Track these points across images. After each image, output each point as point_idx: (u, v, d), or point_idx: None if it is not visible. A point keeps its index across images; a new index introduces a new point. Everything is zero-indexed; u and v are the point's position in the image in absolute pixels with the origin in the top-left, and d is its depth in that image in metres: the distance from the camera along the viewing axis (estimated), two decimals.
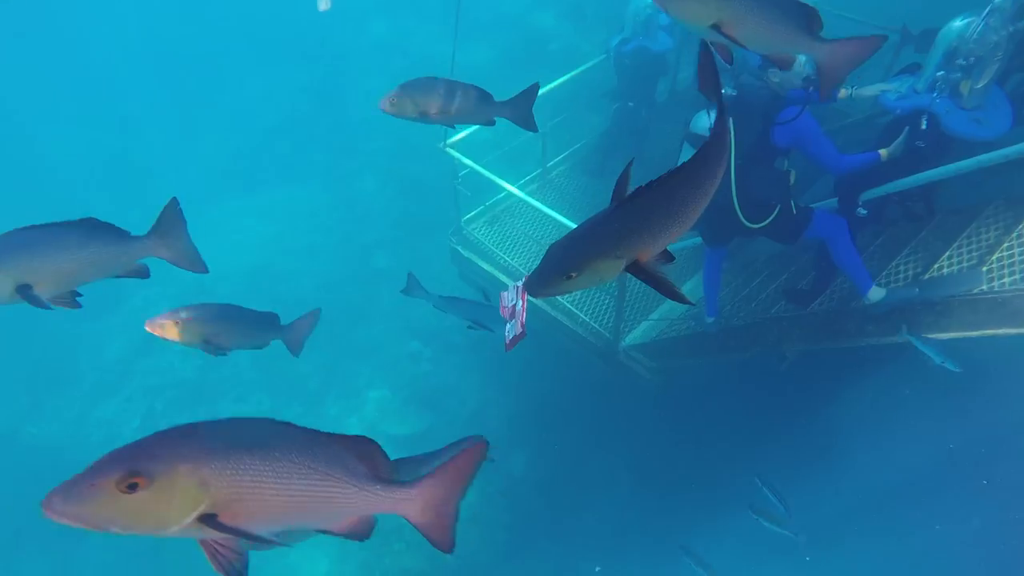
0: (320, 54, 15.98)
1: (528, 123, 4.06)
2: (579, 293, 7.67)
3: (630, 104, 8.77)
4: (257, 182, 14.30)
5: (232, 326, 4.12)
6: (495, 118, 4.00)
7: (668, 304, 7.41)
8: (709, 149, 2.31)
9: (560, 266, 2.18)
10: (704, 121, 4.97)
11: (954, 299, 4.97)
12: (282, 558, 9.61)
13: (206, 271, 3.49)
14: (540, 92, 7.74)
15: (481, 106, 3.89)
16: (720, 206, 4.98)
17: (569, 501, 9.22)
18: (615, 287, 6.79)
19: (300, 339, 4.49)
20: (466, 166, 7.57)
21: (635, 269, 2.24)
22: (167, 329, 3.88)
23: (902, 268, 5.69)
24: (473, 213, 8.84)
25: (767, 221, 5.05)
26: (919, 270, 5.51)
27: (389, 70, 14.69)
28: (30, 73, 15.48)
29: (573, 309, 7.61)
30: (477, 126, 7.97)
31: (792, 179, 4.98)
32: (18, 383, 10.97)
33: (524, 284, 2.25)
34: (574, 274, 2.16)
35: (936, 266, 5.39)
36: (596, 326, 7.50)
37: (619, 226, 2.16)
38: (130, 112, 15.26)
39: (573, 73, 8.62)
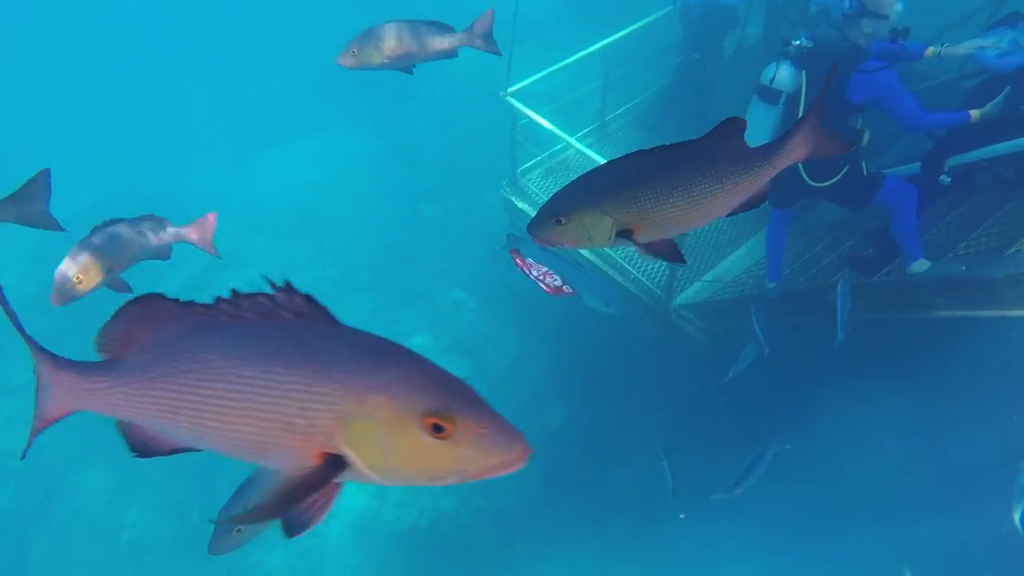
0: None
1: (490, 46, 4.05)
2: (634, 249, 7.61)
3: (695, 56, 8.46)
4: (308, 127, 14.44)
5: (121, 246, 3.88)
6: (457, 49, 3.99)
7: (723, 265, 7.32)
8: (740, 154, 2.12)
9: (550, 209, 2.14)
10: (777, 74, 4.76)
11: (998, 280, 4.75)
12: None
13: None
14: (604, 43, 7.59)
15: (442, 38, 3.87)
16: None
17: (604, 457, 9.35)
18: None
19: (207, 238, 4.34)
20: (525, 116, 7.50)
21: (629, 239, 2.15)
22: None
23: (983, 240, 5.35)
24: (528, 164, 8.79)
25: (832, 181, 4.86)
26: (1003, 242, 5.17)
27: (447, 13, 14.54)
28: (84, 20, 15.75)
29: (626, 265, 7.56)
30: (537, 75, 7.96)
31: (865, 139, 4.72)
32: (89, 312, 11.44)
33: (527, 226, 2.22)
34: (562, 219, 2.10)
35: (1022, 241, 5.04)
36: (648, 283, 7.45)
37: (604, 180, 2.08)
38: (183, 57, 15.47)
39: (637, 25, 8.39)
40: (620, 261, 7.61)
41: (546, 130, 7.40)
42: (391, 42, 3.75)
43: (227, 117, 14.81)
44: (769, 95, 4.82)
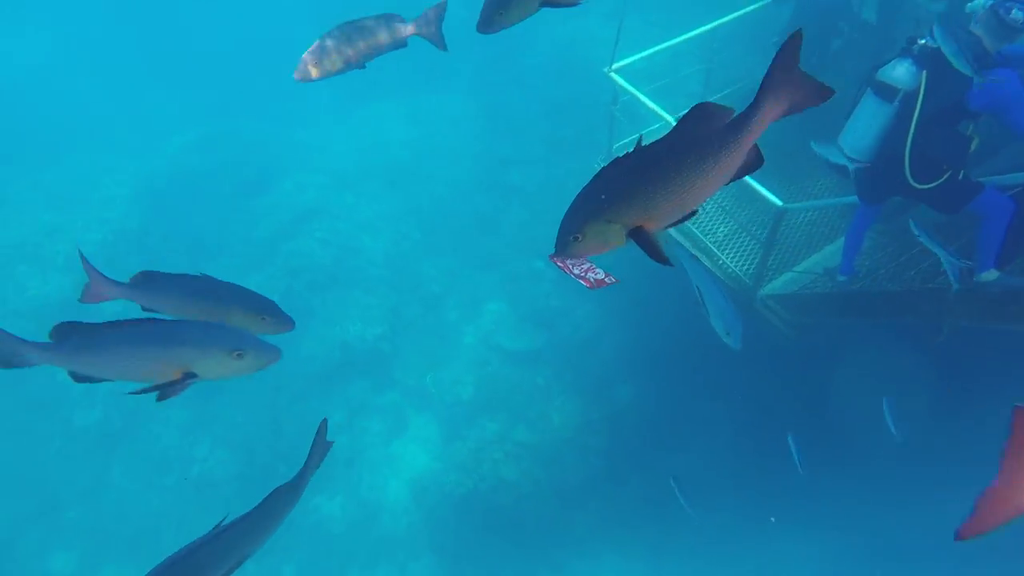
0: None
1: (438, 40, 3.99)
2: (724, 232, 7.50)
3: (774, 40, 8.19)
4: (407, 86, 14.57)
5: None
6: (406, 39, 3.95)
7: (817, 256, 7.13)
8: (714, 131, 2.19)
9: (564, 230, 2.26)
10: (897, 72, 4.66)
11: None
12: (385, 447, 10.29)
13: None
14: (711, 26, 7.40)
15: (393, 30, 3.84)
16: (888, 157, 4.80)
17: (667, 440, 9.24)
18: (765, 233, 6.57)
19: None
20: (627, 92, 7.45)
21: (636, 236, 2.24)
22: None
23: None
24: (625, 141, 8.70)
25: (934, 184, 4.76)
26: None
27: None
28: None
29: (715, 250, 7.45)
30: (642, 53, 7.82)
31: (974, 145, 4.64)
32: (182, 247, 12.03)
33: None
34: (578, 236, 2.22)
35: None
36: (737, 270, 7.31)
37: (602, 191, 2.20)
38: (300, 7, 15.76)
39: (745, 10, 8.21)
40: (710, 246, 7.49)
41: (643, 108, 7.36)
42: (345, 46, 3.76)
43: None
44: (885, 91, 4.73)
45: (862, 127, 4.91)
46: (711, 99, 8.77)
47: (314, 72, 3.78)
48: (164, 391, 2.93)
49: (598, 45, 12.80)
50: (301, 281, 11.46)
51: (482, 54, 14.39)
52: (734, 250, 7.50)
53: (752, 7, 8.27)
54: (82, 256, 3.50)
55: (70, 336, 2.88)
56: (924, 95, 4.56)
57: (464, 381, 10.45)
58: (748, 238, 7.51)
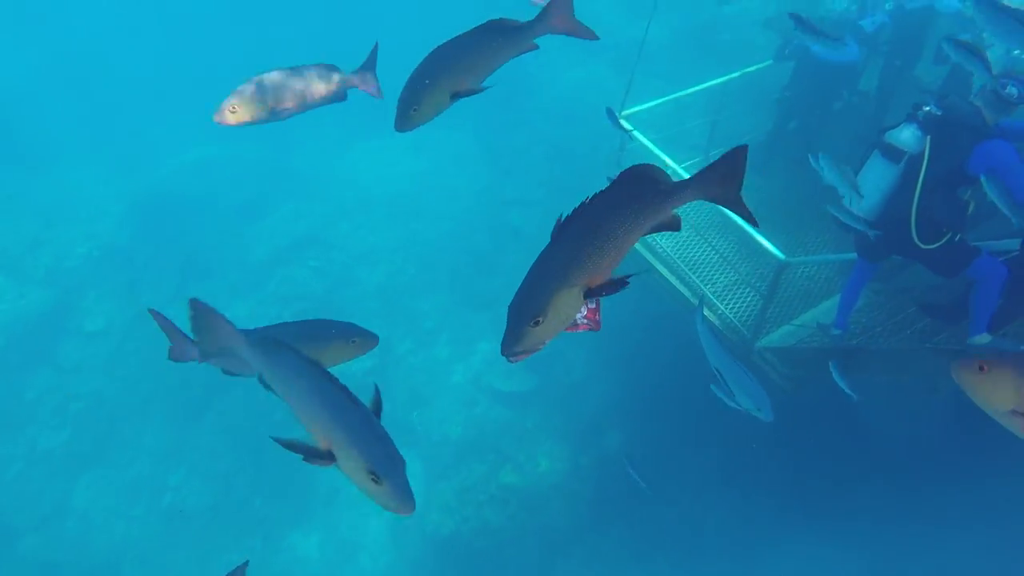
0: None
1: (375, 89, 3.87)
2: (724, 282, 7.50)
3: (785, 95, 8.37)
4: None
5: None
6: (345, 91, 3.78)
7: (814, 311, 7.17)
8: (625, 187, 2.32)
9: (523, 317, 2.22)
10: (904, 135, 4.97)
11: None
12: None
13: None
14: (720, 80, 7.58)
15: (330, 81, 3.67)
16: (895, 218, 5.02)
17: (656, 489, 9.07)
18: (765, 285, 6.63)
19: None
20: (635, 139, 7.55)
21: (589, 294, 2.32)
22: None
23: None
24: None
25: (936, 245, 4.99)
26: None
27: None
28: None
29: (715, 300, 7.42)
30: (653, 101, 7.89)
31: (971, 209, 4.99)
32: (172, 268, 11.89)
33: (501, 350, 2.28)
34: (540, 319, 2.20)
35: None
36: (735, 320, 7.27)
37: (561, 257, 2.26)
38: (290, 39, 15.87)
39: (752, 68, 8.46)
40: (709, 295, 7.46)
41: (649, 156, 7.43)
42: (275, 92, 3.50)
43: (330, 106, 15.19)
44: (892, 153, 5.02)
45: (869, 187, 5.15)
46: (713, 152, 8.91)
47: (231, 119, 3.48)
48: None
49: (603, 92, 12.91)
50: (291, 309, 11.31)
51: (489, 94, 14.48)
52: (733, 300, 7.48)
53: (757, 66, 8.47)
54: (157, 315, 3.32)
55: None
56: (929, 159, 4.82)
57: (452, 420, 10.26)
58: (748, 289, 7.50)
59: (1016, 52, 6.70)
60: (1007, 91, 4.68)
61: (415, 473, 9.98)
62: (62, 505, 9.78)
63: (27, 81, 15.01)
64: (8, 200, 12.29)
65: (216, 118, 3.47)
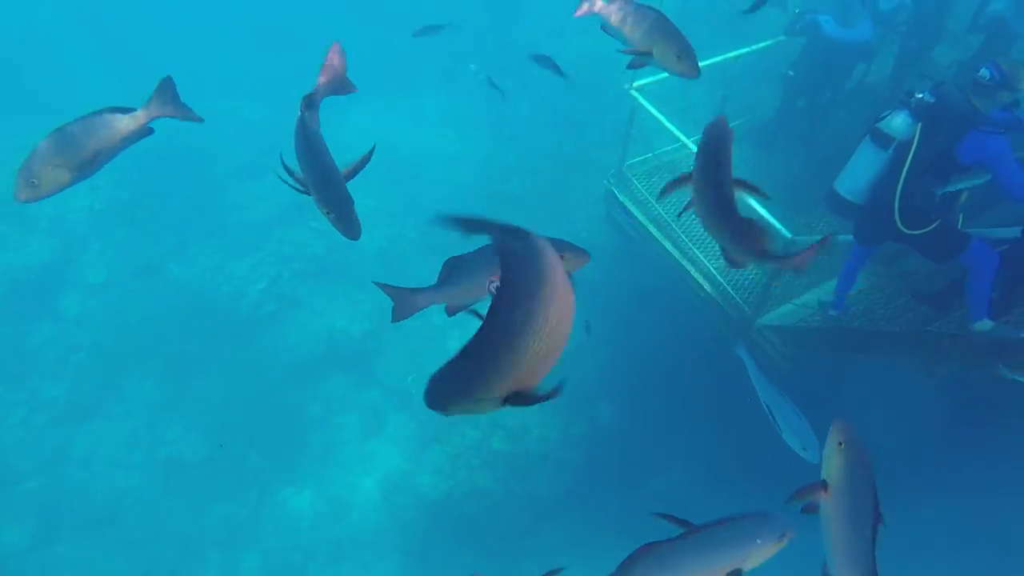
0: None
1: (183, 113, 3.73)
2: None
3: (790, 74, 8.28)
4: (415, 86, 14.52)
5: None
6: (149, 126, 3.58)
7: (816, 291, 7.24)
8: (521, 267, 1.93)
9: (430, 401, 1.91)
10: (895, 122, 4.99)
11: None
12: (360, 444, 10.20)
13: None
14: (732, 55, 7.56)
15: (125, 122, 3.41)
16: (882, 205, 5.08)
17: (644, 462, 9.20)
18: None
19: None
20: (645, 111, 7.54)
21: (511, 401, 1.95)
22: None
23: None
24: (637, 160, 8.72)
25: (922, 231, 5.06)
26: None
27: None
28: None
29: (717, 275, 7.49)
30: (664, 73, 7.80)
31: (963, 199, 5.09)
32: (173, 224, 11.89)
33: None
34: (449, 409, 1.93)
35: None
36: (737, 297, 7.35)
37: (459, 375, 1.89)
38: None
39: (763, 44, 8.33)
40: (713, 271, 7.53)
41: (652, 129, 7.45)
42: (70, 153, 3.19)
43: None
44: (882, 139, 5.08)
45: (859, 171, 5.23)
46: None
47: (26, 195, 3.21)
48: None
49: (609, 64, 12.76)
50: (291, 269, 11.35)
51: (490, 59, 14.37)
52: (736, 277, 7.54)
53: (768, 42, 8.35)
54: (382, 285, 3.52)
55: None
56: (917, 146, 4.87)
57: None
58: (752, 266, 7.53)
59: None
60: (980, 74, 4.70)
61: (408, 435, 10.16)
62: (62, 452, 9.92)
63: (39, 27, 14.82)
64: (15, 151, 12.16)
65: (17, 196, 3.20)
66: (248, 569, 9.31)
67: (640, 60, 3.86)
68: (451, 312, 3.27)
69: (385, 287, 3.47)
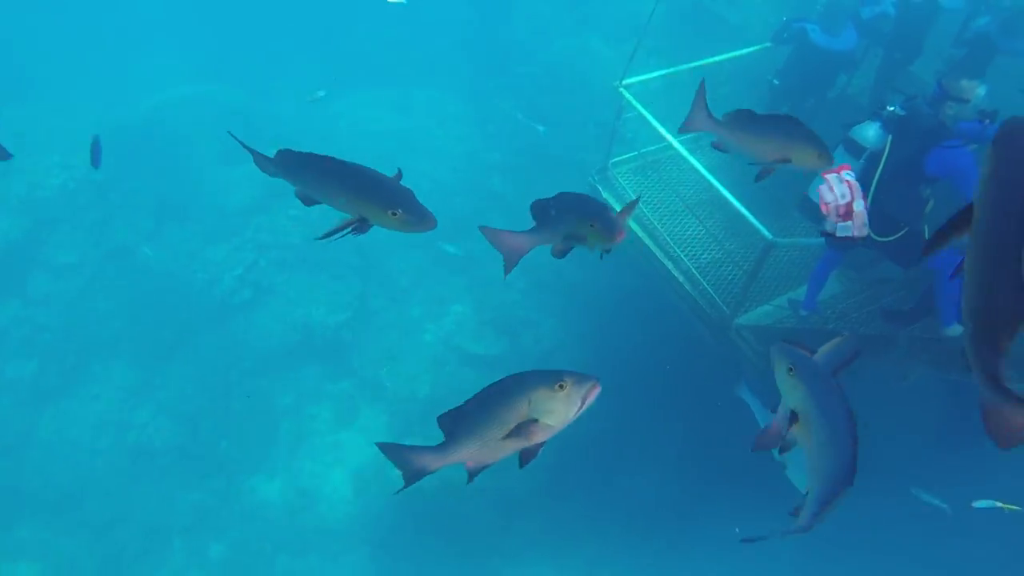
0: None
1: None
2: (708, 259, 7.61)
3: (774, 82, 8.35)
4: (398, 77, 14.42)
5: None
6: None
7: (792, 294, 7.32)
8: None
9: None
10: (867, 132, 5.22)
11: None
12: (331, 435, 10.16)
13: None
14: (720, 58, 7.66)
15: None
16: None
17: (615, 461, 9.24)
18: (750, 264, 6.72)
19: None
20: (633, 109, 7.57)
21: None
22: None
23: None
24: (622, 157, 8.75)
25: (891, 238, 5.27)
26: None
27: None
28: None
29: (696, 274, 7.51)
30: (650, 74, 7.88)
31: (929, 207, 5.24)
32: (148, 207, 11.71)
33: None
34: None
35: None
36: (716, 297, 7.37)
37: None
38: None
39: (750, 50, 8.47)
40: (693, 270, 7.55)
41: (636, 128, 7.44)
42: None
43: (326, 50, 14.86)
44: (854, 148, 5.30)
45: None
46: (704, 139, 8.96)
47: None
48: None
49: (595, 64, 12.82)
50: (267, 257, 11.25)
51: (478, 55, 14.33)
52: (716, 277, 7.57)
53: (754, 48, 8.45)
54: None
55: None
56: (887, 156, 5.09)
57: (421, 379, 10.35)
58: (732, 267, 7.59)
59: None
60: (934, 89, 5.05)
61: (380, 427, 10.12)
62: (27, 434, 9.77)
63: (11, 8, 14.50)
64: None
65: None
66: (215, 557, 9.24)
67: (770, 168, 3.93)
68: None
69: (489, 231, 3.51)
